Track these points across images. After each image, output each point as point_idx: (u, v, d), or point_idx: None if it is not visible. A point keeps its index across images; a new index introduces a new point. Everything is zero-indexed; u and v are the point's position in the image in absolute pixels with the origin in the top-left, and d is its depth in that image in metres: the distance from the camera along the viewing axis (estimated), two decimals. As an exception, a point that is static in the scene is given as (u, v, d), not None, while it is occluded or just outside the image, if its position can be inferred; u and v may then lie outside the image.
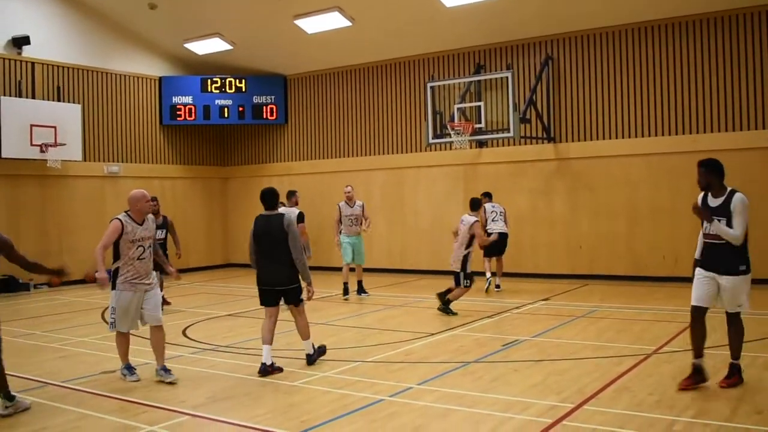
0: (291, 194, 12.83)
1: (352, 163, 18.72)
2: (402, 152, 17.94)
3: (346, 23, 16.44)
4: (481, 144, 16.37)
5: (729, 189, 6.25)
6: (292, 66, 19.47)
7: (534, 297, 12.71)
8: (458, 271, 11.08)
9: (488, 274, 13.92)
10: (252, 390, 6.74)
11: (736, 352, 6.50)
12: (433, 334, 9.38)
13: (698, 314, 6.39)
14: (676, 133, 14.41)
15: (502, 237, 13.66)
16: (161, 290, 9.81)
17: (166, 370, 7.08)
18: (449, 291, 11.20)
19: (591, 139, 15.38)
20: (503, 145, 16.32)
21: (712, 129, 14.08)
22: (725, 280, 6.23)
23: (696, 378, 6.32)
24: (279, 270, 7.46)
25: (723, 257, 6.22)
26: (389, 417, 5.77)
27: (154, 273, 7.30)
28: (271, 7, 16.37)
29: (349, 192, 13.44)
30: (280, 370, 7.36)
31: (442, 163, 17.18)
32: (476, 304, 12.37)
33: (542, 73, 15.58)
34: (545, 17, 15.16)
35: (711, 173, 6.29)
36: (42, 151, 15.85)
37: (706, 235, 6.34)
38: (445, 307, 11.05)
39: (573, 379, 6.83)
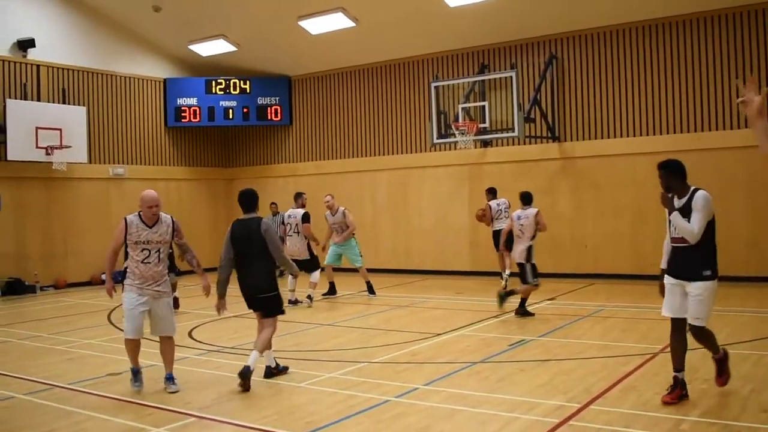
0: (298, 196, 12.89)
1: (356, 163, 18.73)
2: (406, 152, 17.95)
3: (350, 24, 16.45)
4: (485, 144, 16.37)
5: (692, 188, 5.90)
6: (296, 67, 19.49)
7: (539, 296, 12.68)
8: (524, 262, 10.66)
9: (504, 274, 14.42)
10: (258, 391, 6.74)
11: (713, 348, 6.12)
12: (438, 335, 9.37)
13: (675, 326, 6.01)
14: (681, 132, 14.38)
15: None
16: (174, 290, 9.71)
17: (171, 380, 6.88)
18: (511, 292, 10.91)
19: (596, 138, 15.35)
20: (508, 145, 16.30)
21: (717, 127, 14.04)
22: (690, 287, 5.85)
23: (680, 391, 5.92)
24: (257, 277, 7.12)
25: (688, 261, 5.87)
26: (395, 418, 5.77)
27: (168, 280, 6.96)
28: (275, 8, 16.39)
29: (327, 201, 13.13)
30: (286, 370, 7.33)
31: (447, 163, 17.17)
32: (482, 303, 12.35)
33: (546, 72, 15.56)
34: (549, 16, 15.14)
35: (671, 175, 5.94)
36: (47, 154, 15.91)
37: (672, 239, 6.00)
38: (523, 310, 10.55)
39: (579, 378, 6.81)
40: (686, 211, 5.81)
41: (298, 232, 12.47)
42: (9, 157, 15.52)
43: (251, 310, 7.43)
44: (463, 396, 6.33)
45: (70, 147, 16.24)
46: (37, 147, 15.78)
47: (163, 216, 6.87)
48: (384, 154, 18.34)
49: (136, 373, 6.92)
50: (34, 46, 16.28)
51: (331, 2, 15.86)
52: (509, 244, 14.65)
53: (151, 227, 6.75)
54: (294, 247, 12.55)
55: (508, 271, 14.31)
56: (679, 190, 5.92)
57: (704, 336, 6.03)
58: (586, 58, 15.45)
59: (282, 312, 7.35)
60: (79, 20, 17.52)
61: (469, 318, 10.65)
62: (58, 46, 17.06)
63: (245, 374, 6.71)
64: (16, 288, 15.68)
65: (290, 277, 12.47)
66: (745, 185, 13.50)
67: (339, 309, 12.14)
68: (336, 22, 16.48)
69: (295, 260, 12.45)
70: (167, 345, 6.96)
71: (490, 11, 15.18)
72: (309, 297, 12.35)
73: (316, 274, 12.50)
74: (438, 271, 17.06)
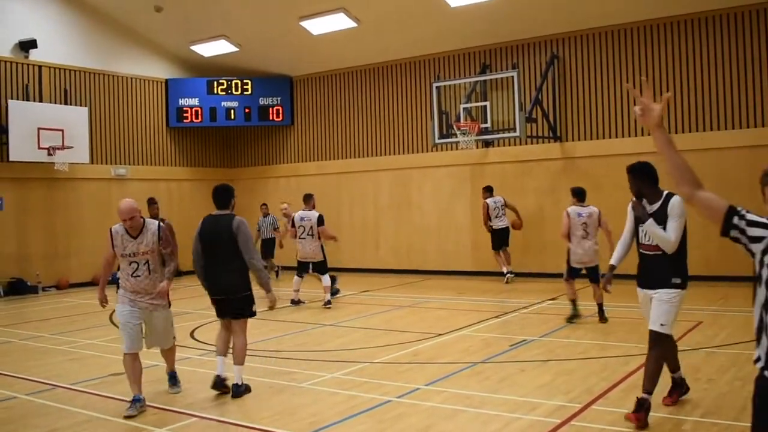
0: (309, 197, 12.51)
1: (358, 163, 18.73)
2: (408, 152, 17.94)
3: (352, 24, 16.46)
4: (487, 144, 16.36)
5: (665, 192, 5.52)
6: (297, 67, 19.50)
7: (541, 297, 12.69)
8: (597, 263, 10.06)
9: (505, 269, 14.99)
10: (259, 392, 6.74)
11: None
12: (440, 335, 9.37)
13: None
14: (683, 131, 14.37)
15: (504, 232, 15.14)
16: None
17: (173, 378, 6.77)
18: (601, 307, 9.99)
19: (597, 138, 15.34)
20: (509, 145, 16.29)
21: (720, 127, 14.03)
22: (658, 293, 5.55)
23: (679, 392, 5.87)
24: (227, 276, 6.62)
25: (657, 269, 5.57)
26: (397, 418, 5.77)
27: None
28: (276, 8, 16.41)
29: (285, 209, 13.74)
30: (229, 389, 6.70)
31: (449, 163, 17.17)
32: (483, 304, 12.36)
33: (548, 72, 15.56)
34: (550, 16, 15.13)
35: (640, 179, 5.58)
36: (49, 154, 15.93)
37: (641, 245, 5.70)
38: (602, 313, 9.97)
39: (581, 379, 6.81)
40: (660, 218, 5.45)
41: (312, 234, 12.14)
42: (11, 158, 15.54)
43: (219, 318, 6.89)
44: (465, 396, 6.33)
45: (71, 147, 16.27)
46: (39, 148, 15.80)
47: (149, 223, 6.43)
48: (386, 154, 18.34)
49: (136, 400, 6.17)
50: (36, 46, 16.30)
51: (332, 2, 15.87)
52: (503, 243, 15.14)
53: (135, 238, 6.31)
54: (308, 249, 12.21)
55: (509, 267, 14.90)
56: (650, 195, 5.55)
57: (659, 351, 5.55)
58: (588, 57, 15.44)
59: (253, 314, 6.85)
60: (81, 21, 17.54)
61: (470, 318, 10.65)
62: (59, 46, 17.08)
63: (237, 393, 6.55)
64: (19, 288, 15.71)
65: (296, 276, 12.42)
66: (748, 185, 13.34)
67: (341, 309, 12.14)
68: (337, 22, 16.49)
69: (309, 262, 12.28)
70: (167, 352, 6.81)
71: (491, 11, 15.17)
72: (329, 301, 12.18)
73: (328, 278, 12.28)
74: (440, 271, 17.06)
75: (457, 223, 17.03)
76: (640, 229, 5.70)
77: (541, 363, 7.57)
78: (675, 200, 5.45)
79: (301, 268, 12.42)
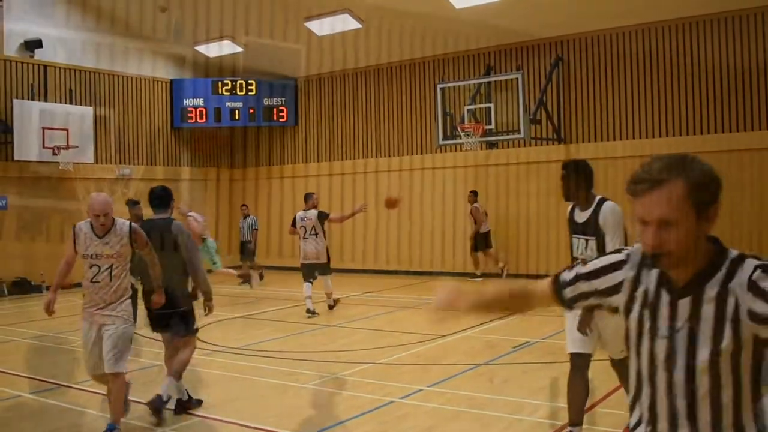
0: (308, 197, 12.10)
1: (362, 164, 18.73)
2: (412, 154, 17.94)
3: (356, 25, 16.48)
4: (491, 145, 16.34)
5: (597, 198, 4.81)
6: (302, 68, 19.52)
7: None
8: None
9: (479, 272, 15.63)
10: (262, 392, 6.75)
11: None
12: (443, 336, 9.37)
13: (579, 364, 4.85)
14: (686, 134, 14.34)
15: (488, 235, 15.74)
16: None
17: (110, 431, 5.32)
18: None
19: (601, 140, 15.32)
20: (513, 147, 16.27)
21: (723, 129, 14.00)
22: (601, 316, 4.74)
23: None
24: (168, 287, 5.94)
25: None
26: (400, 419, 5.78)
27: (125, 304, 5.56)
28: (281, 9, 16.43)
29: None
30: (200, 403, 6.27)
31: (452, 165, 17.15)
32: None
33: (552, 74, 15.54)
34: (555, 18, 15.10)
35: (576, 179, 4.88)
36: (54, 154, 15.96)
37: (575, 260, 4.62)
38: None
39: (583, 381, 6.80)
40: (590, 227, 4.76)
41: (316, 234, 11.75)
42: (16, 157, 15.57)
43: (156, 332, 6.38)
44: (467, 397, 6.34)
45: (76, 147, 16.28)
46: (43, 147, 15.82)
47: (119, 224, 5.53)
48: (389, 156, 18.34)
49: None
50: (41, 46, 16.33)
51: (337, 3, 15.89)
52: (488, 246, 15.33)
53: (101, 238, 5.48)
54: (313, 249, 11.75)
55: (502, 265, 15.48)
56: (582, 199, 4.85)
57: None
58: (592, 60, 15.43)
59: (195, 330, 6.29)
60: (86, 21, 17.57)
61: (473, 320, 10.63)
62: (65, 46, 17.11)
63: (157, 406, 5.83)
64: (23, 287, 15.74)
65: (305, 282, 11.64)
66: (752, 188, 13.44)
67: (344, 310, 12.14)
68: (342, 23, 16.50)
69: (314, 264, 11.72)
70: (113, 385, 5.44)
71: (496, 13, 15.16)
72: (332, 305, 12.04)
73: (330, 282, 11.98)
74: (443, 272, 17.04)
75: (460, 225, 17.00)
76: (574, 239, 5.02)
77: (544, 365, 7.58)
78: (607, 207, 4.72)
79: (307, 273, 11.75)
